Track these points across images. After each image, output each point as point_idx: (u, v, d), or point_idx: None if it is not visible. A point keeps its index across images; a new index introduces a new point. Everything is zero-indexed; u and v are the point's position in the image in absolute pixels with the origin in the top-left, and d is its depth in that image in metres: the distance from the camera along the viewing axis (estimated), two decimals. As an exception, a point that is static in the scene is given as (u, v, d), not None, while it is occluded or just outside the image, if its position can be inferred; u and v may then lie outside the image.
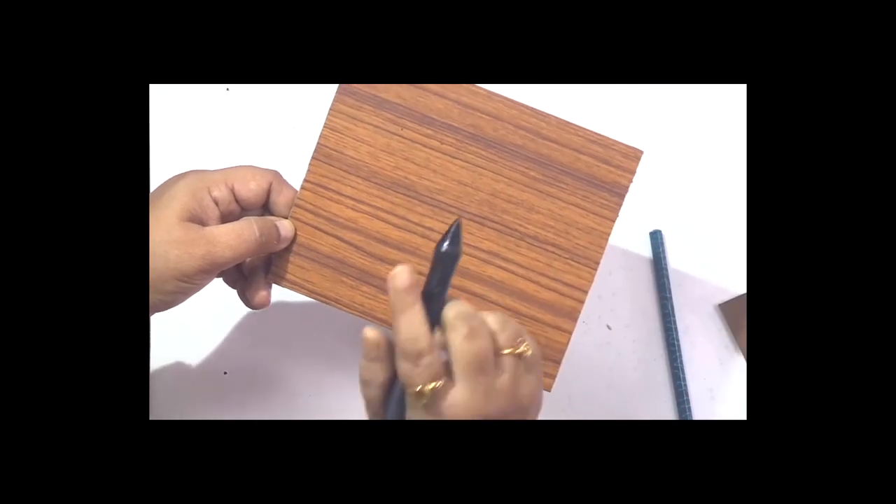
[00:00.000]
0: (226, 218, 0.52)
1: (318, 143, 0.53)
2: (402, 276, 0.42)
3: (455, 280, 0.52)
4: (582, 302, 0.52)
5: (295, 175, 0.54)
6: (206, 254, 0.49)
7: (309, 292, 0.53)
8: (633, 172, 0.52)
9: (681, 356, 0.66)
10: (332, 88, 0.53)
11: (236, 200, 0.52)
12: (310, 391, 0.64)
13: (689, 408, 0.64)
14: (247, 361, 0.64)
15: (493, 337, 0.43)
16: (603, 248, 0.52)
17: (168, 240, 0.48)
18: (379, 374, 0.44)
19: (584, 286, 0.52)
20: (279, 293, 0.55)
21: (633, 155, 0.52)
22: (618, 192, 0.52)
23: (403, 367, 0.42)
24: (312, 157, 0.53)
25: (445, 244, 0.43)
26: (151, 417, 0.60)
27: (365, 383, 0.45)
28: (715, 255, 0.68)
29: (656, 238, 0.68)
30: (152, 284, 0.48)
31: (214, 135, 0.68)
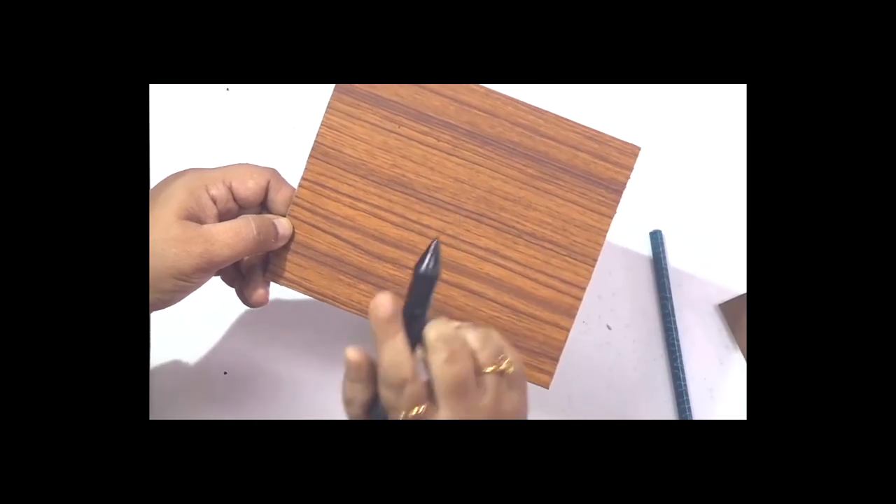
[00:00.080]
0: (224, 216, 0.51)
1: (315, 141, 0.52)
2: (384, 305, 0.41)
3: (453, 278, 0.51)
4: (580, 299, 0.51)
5: (295, 174, 0.53)
6: (204, 252, 0.48)
7: (307, 290, 0.53)
8: (630, 169, 0.51)
9: (681, 356, 0.65)
10: (332, 89, 0.53)
11: (234, 199, 0.52)
12: (309, 391, 0.63)
13: (689, 408, 0.64)
14: (247, 361, 0.64)
15: (474, 356, 0.43)
16: (601, 244, 0.51)
17: (166, 238, 0.48)
18: (361, 394, 0.44)
19: (582, 283, 0.51)
20: (278, 292, 0.55)
21: (631, 151, 0.51)
22: (615, 189, 0.51)
23: (386, 394, 0.42)
24: (310, 156, 0.52)
25: (423, 265, 0.43)
26: (151, 417, 0.59)
27: (347, 402, 0.45)
28: (715, 255, 0.68)
29: (656, 238, 0.67)
30: (150, 283, 0.48)
31: (214, 135, 0.67)
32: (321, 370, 0.63)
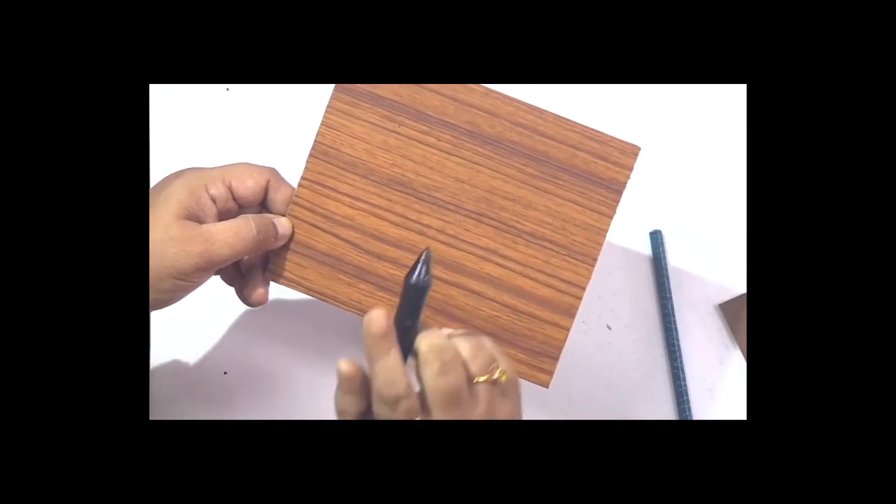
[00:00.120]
0: (223, 216, 0.51)
1: (315, 140, 0.52)
2: (377, 321, 0.41)
3: (453, 277, 0.51)
4: (580, 298, 0.51)
5: (296, 174, 0.53)
6: (204, 252, 0.48)
7: (306, 289, 0.52)
8: (630, 169, 0.51)
9: (681, 356, 0.65)
10: (332, 89, 0.52)
11: (234, 198, 0.51)
12: (309, 391, 0.63)
13: (689, 408, 0.63)
14: (247, 361, 0.64)
15: (465, 365, 0.42)
16: (600, 244, 0.51)
17: (165, 238, 0.48)
18: (353, 405, 0.43)
19: (582, 283, 0.51)
20: (278, 292, 0.54)
21: (631, 151, 0.51)
22: (615, 189, 0.51)
23: (380, 409, 0.42)
24: (309, 155, 0.52)
25: (415, 275, 0.42)
26: (151, 417, 0.59)
27: (340, 413, 0.44)
28: (715, 255, 0.68)
29: (656, 238, 0.67)
30: (150, 283, 0.47)
31: (214, 134, 0.67)
32: (321, 370, 0.63)
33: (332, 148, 0.52)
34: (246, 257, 0.53)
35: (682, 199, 0.69)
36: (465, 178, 0.52)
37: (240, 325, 0.64)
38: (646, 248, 0.68)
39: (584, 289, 0.51)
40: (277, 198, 0.52)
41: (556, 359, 0.52)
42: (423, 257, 0.42)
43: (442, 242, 0.52)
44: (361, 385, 0.43)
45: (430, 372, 0.41)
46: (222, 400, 0.63)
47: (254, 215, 0.51)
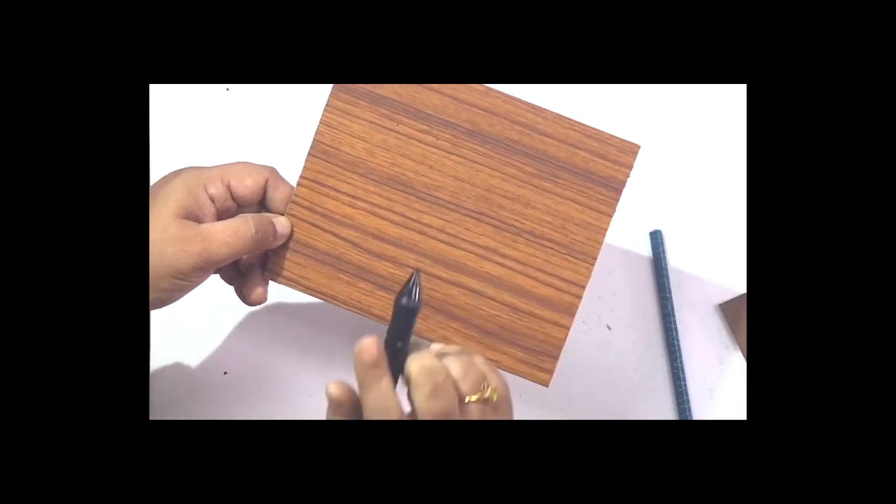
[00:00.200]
0: (222, 215, 0.51)
1: (314, 139, 0.51)
2: (368, 349, 0.41)
3: (453, 276, 0.51)
4: (579, 297, 0.51)
5: (296, 174, 0.53)
6: (203, 251, 0.48)
7: (306, 289, 0.52)
8: (629, 167, 0.50)
9: (681, 356, 0.64)
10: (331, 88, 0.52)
11: (232, 197, 0.51)
12: (309, 391, 0.63)
13: (689, 408, 0.63)
14: (247, 361, 0.63)
15: (456, 385, 0.42)
16: (600, 243, 0.51)
17: (164, 237, 0.47)
18: None
19: (582, 281, 0.51)
20: (278, 291, 0.54)
21: (630, 150, 0.50)
22: (615, 188, 0.50)
23: None
24: (308, 154, 0.52)
25: (406, 298, 0.42)
26: (151, 417, 0.59)
27: None
28: (715, 255, 0.67)
29: (656, 238, 0.67)
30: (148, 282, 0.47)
31: (214, 134, 0.67)
32: (321, 370, 0.63)
33: (332, 147, 0.51)
34: (245, 256, 0.53)
35: (682, 198, 0.69)
36: (465, 176, 0.51)
37: (240, 325, 0.64)
38: (646, 248, 0.67)
39: (583, 287, 0.51)
40: (276, 197, 0.52)
41: (556, 358, 0.51)
42: (413, 279, 0.42)
43: (442, 241, 0.51)
44: (351, 409, 0.42)
45: (421, 394, 0.41)
46: (222, 400, 0.62)
47: (252, 214, 0.50)
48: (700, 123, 0.70)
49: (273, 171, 0.52)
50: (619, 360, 0.65)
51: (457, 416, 0.42)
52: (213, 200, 0.50)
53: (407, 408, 0.42)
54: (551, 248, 0.51)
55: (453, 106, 0.51)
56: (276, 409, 0.62)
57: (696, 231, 0.68)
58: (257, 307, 0.62)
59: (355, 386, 0.42)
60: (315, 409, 0.62)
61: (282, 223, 0.51)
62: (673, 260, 0.67)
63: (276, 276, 0.52)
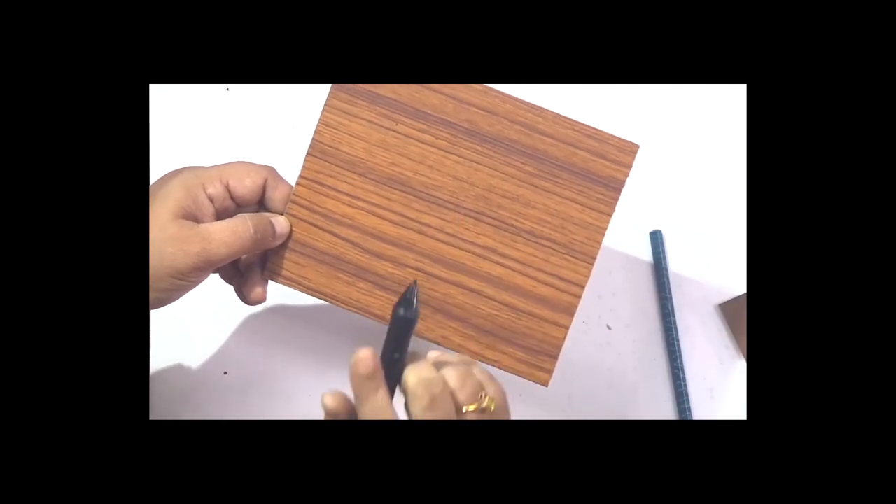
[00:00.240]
0: (221, 214, 0.50)
1: (312, 138, 0.51)
2: (364, 361, 0.41)
3: (452, 276, 0.51)
4: (579, 297, 0.50)
5: (296, 174, 0.52)
6: (201, 251, 0.47)
7: (305, 288, 0.51)
8: (629, 167, 0.50)
9: (681, 356, 0.64)
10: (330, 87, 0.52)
11: (231, 197, 0.51)
12: (309, 391, 0.62)
13: (689, 408, 0.63)
14: (247, 361, 0.63)
15: (454, 395, 0.42)
16: (599, 242, 0.50)
17: (163, 237, 0.47)
18: None
19: (581, 281, 0.50)
20: (278, 291, 0.54)
21: (629, 149, 0.50)
22: (614, 187, 0.50)
23: None
24: (307, 153, 0.51)
25: (404, 309, 0.42)
26: (151, 417, 0.58)
27: None
28: (715, 255, 0.67)
29: (656, 238, 0.66)
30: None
31: (214, 134, 0.66)
32: (321, 370, 0.62)
33: (331, 146, 0.51)
34: (244, 256, 0.52)
35: (682, 199, 0.68)
36: (464, 176, 0.51)
37: (240, 325, 0.63)
38: (646, 249, 0.67)
39: (583, 287, 0.50)
40: (275, 196, 0.51)
41: (555, 357, 0.51)
42: (411, 290, 0.42)
43: (441, 241, 0.51)
44: (347, 418, 0.42)
45: (418, 406, 0.41)
46: (222, 400, 0.62)
47: (251, 214, 0.50)
48: (700, 123, 0.69)
49: (272, 170, 0.52)
50: (619, 360, 0.65)
51: None
52: (211, 200, 0.49)
53: (404, 418, 0.42)
54: (550, 248, 0.51)
55: (452, 105, 0.51)
56: (276, 409, 0.62)
57: (696, 231, 0.67)
58: (257, 307, 0.62)
59: (351, 395, 0.42)
60: (315, 409, 0.61)
61: (281, 223, 0.51)
62: (673, 260, 0.67)
63: (276, 276, 0.52)
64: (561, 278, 0.51)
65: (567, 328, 0.51)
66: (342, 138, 0.51)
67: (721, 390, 0.64)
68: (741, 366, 0.65)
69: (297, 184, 0.51)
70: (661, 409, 0.64)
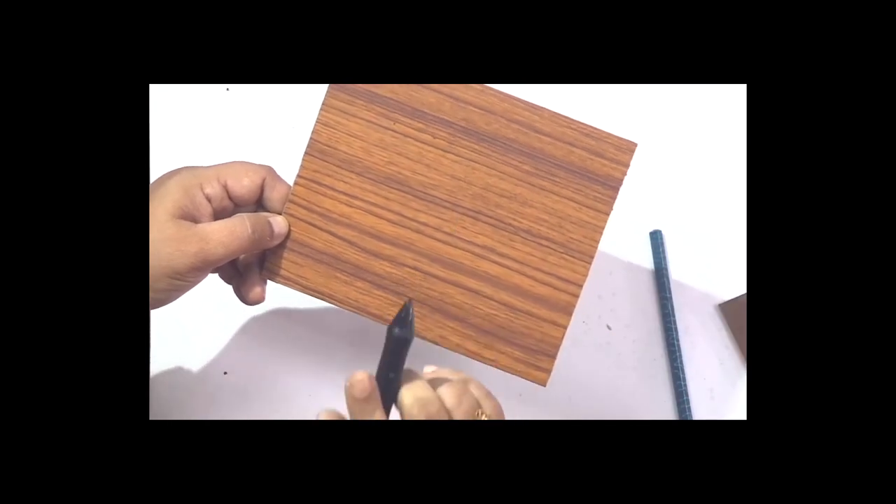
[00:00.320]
0: (218, 214, 0.50)
1: (310, 138, 0.51)
2: (360, 384, 0.41)
3: (450, 275, 0.50)
4: (577, 296, 0.50)
5: (294, 174, 0.52)
6: (199, 251, 0.47)
7: (303, 288, 0.51)
8: (626, 165, 0.49)
9: (681, 356, 0.63)
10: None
11: (229, 197, 0.50)
12: (309, 391, 0.62)
13: (689, 408, 0.62)
14: (247, 361, 0.63)
15: (450, 415, 0.42)
16: (597, 241, 0.50)
17: (160, 237, 0.46)
18: None
19: (579, 280, 0.50)
20: (277, 291, 0.53)
21: (627, 148, 0.49)
22: (612, 186, 0.49)
23: None
24: (305, 153, 0.51)
25: (399, 328, 0.42)
26: (151, 417, 0.58)
27: None
28: (715, 255, 0.67)
29: (656, 238, 0.66)
30: None
31: (214, 134, 0.66)
32: (320, 370, 0.62)
33: (328, 146, 0.51)
34: (243, 256, 0.52)
35: (683, 199, 0.68)
36: (462, 175, 0.50)
37: (240, 325, 0.63)
38: (646, 249, 0.66)
39: (581, 286, 0.50)
40: (273, 196, 0.51)
41: (553, 357, 0.50)
42: (406, 310, 0.42)
43: (438, 240, 0.50)
44: None
45: None
46: (222, 400, 0.61)
47: (249, 214, 0.49)
48: (700, 123, 0.69)
49: (270, 170, 0.51)
50: (619, 360, 0.64)
51: None
52: (209, 200, 0.49)
53: None
54: (548, 247, 0.50)
55: (450, 104, 0.50)
56: (276, 409, 0.61)
57: (696, 231, 0.67)
58: (257, 307, 0.61)
59: (346, 413, 0.42)
60: (315, 409, 0.61)
61: (279, 222, 0.50)
62: (673, 260, 0.66)
63: (274, 276, 0.51)
64: (559, 277, 0.50)
65: (565, 328, 0.50)
66: (340, 138, 0.50)
67: (721, 390, 0.64)
68: (741, 366, 0.64)
69: (296, 183, 0.51)
70: (661, 409, 0.63)
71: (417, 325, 0.49)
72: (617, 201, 0.50)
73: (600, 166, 0.50)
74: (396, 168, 0.50)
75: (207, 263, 0.47)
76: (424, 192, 0.50)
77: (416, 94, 0.50)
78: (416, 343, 0.43)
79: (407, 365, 0.43)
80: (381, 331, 0.43)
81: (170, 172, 0.50)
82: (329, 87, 0.51)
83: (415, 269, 0.50)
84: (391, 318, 0.50)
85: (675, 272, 0.66)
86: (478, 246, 0.50)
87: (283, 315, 0.63)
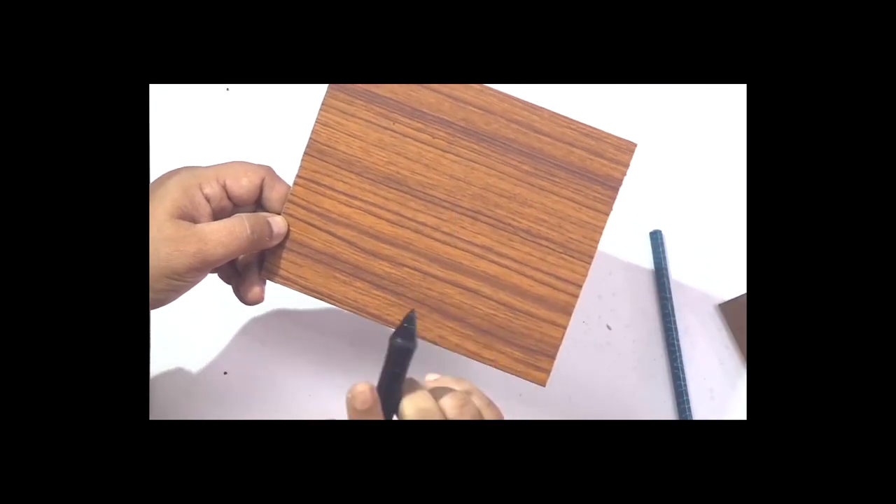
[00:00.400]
0: (217, 214, 0.50)
1: (310, 138, 0.50)
2: (362, 395, 0.41)
3: (449, 275, 0.50)
4: (576, 296, 0.49)
5: (293, 174, 0.51)
6: (198, 251, 0.47)
7: (302, 288, 0.51)
8: (626, 165, 0.49)
9: (681, 356, 0.63)
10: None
11: (228, 197, 0.50)
12: (309, 391, 0.62)
13: (689, 408, 0.62)
14: (247, 361, 0.62)
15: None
16: (597, 241, 0.49)
17: (159, 237, 0.46)
18: None
19: (579, 280, 0.49)
20: (277, 291, 0.53)
21: (627, 148, 0.49)
22: (611, 186, 0.49)
23: None
24: (304, 153, 0.50)
25: (399, 338, 0.41)
26: (151, 417, 0.58)
27: None
28: (715, 255, 0.66)
29: (656, 238, 0.65)
30: None
31: (214, 134, 0.66)
32: (320, 370, 0.62)
33: (328, 146, 0.50)
34: (241, 256, 0.51)
35: (683, 199, 0.67)
36: (461, 175, 0.50)
37: (239, 325, 0.63)
38: (646, 249, 0.66)
39: (580, 286, 0.49)
40: (272, 196, 0.51)
41: (552, 357, 0.50)
42: (410, 320, 0.42)
43: (437, 240, 0.50)
44: None
45: None
46: (222, 400, 0.61)
47: (248, 214, 0.49)
48: (700, 123, 0.69)
49: (269, 170, 0.51)
50: (619, 360, 0.64)
51: None
52: (208, 200, 0.49)
53: None
54: (548, 247, 0.50)
55: (449, 104, 0.50)
56: (276, 409, 0.61)
57: (696, 231, 0.67)
58: (257, 307, 0.61)
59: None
60: (315, 409, 0.61)
61: (278, 222, 0.50)
62: (673, 260, 0.66)
63: (273, 276, 0.51)
64: (558, 277, 0.50)
65: (564, 328, 0.50)
66: (339, 138, 0.50)
67: (721, 390, 0.64)
68: (741, 366, 0.64)
69: (295, 183, 0.51)
70: (661, 409, 0.63)
71: (417, 325, 0.49)
72: (617, 201, 0.50)
73: (600, 166, 0.49)
74: (395, 168, 0.50)
75: (206, 264, 0.47)
76: (423, 192, 0.50)
77: (415, 94, 0.50)
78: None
79: (409, 372, 0.42)
80: (381, 331, 0.43)
81: (169, 172, 0.50)
82: (328, 87, 0.50)
83: (414, 268, 0.50)
84: (390, 318, 0.50)
85: (675, 272, 0.65)
86: (477, 246, 0.50)
87: (283, 315, 0.62)
